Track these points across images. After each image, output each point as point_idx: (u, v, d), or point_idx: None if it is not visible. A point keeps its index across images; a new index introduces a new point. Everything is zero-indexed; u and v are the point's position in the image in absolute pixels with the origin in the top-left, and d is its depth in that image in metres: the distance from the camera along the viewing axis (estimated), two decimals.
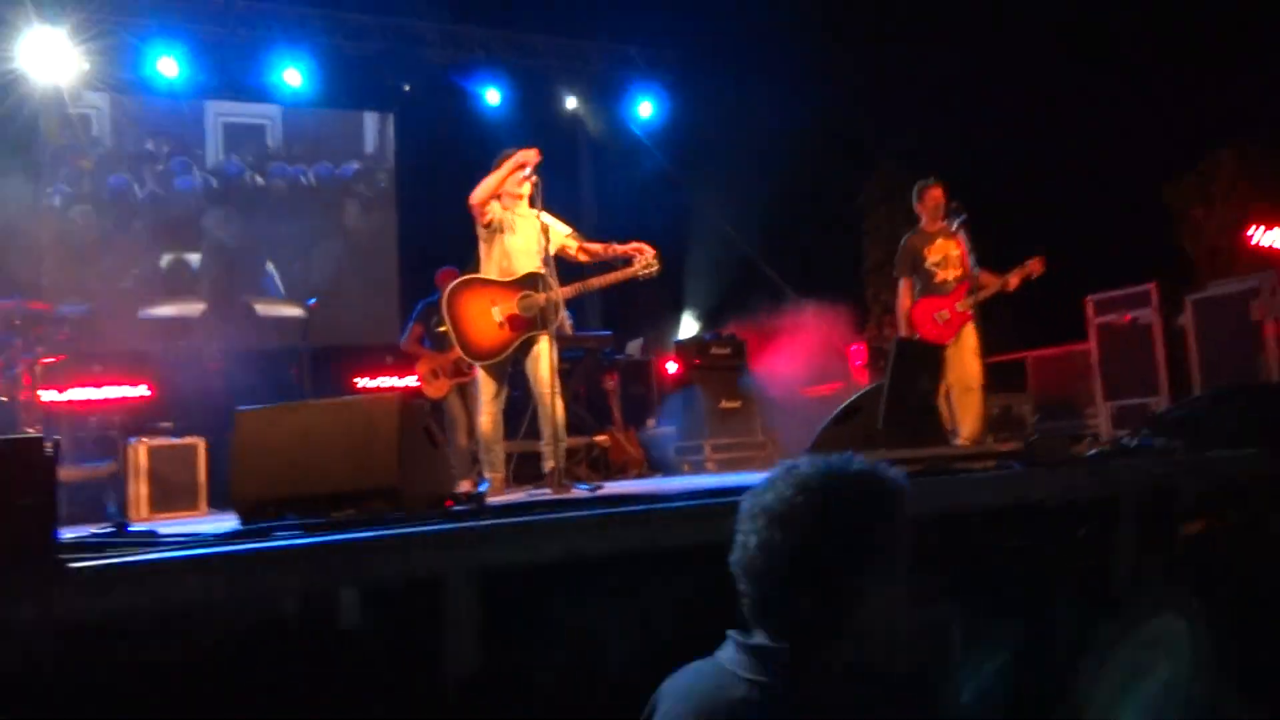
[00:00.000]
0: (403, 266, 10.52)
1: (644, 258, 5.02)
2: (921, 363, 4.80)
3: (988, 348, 6.39)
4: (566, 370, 7.14)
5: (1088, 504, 3.59)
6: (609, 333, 8.22)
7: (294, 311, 9.68)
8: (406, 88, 10.78)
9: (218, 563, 2.10)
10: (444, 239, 6.99)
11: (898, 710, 1.49)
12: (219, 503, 5.62)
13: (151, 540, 2.50)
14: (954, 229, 6.28)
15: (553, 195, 5.11)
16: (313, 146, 10.68)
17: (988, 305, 6.30)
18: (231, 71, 9.99)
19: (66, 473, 5.87)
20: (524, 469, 6.29)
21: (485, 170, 5.11)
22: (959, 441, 5.84)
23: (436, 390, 7.07)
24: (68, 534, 2.37)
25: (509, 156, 5.06)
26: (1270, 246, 8.41)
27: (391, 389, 8.83)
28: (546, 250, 4.91)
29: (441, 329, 5.36)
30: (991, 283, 6.21)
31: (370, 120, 11.03)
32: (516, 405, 5.68)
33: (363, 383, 9.19)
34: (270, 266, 10.18)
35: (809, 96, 9.61)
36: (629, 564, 2.50)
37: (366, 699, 2.32)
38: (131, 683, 2.05)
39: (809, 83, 9.73)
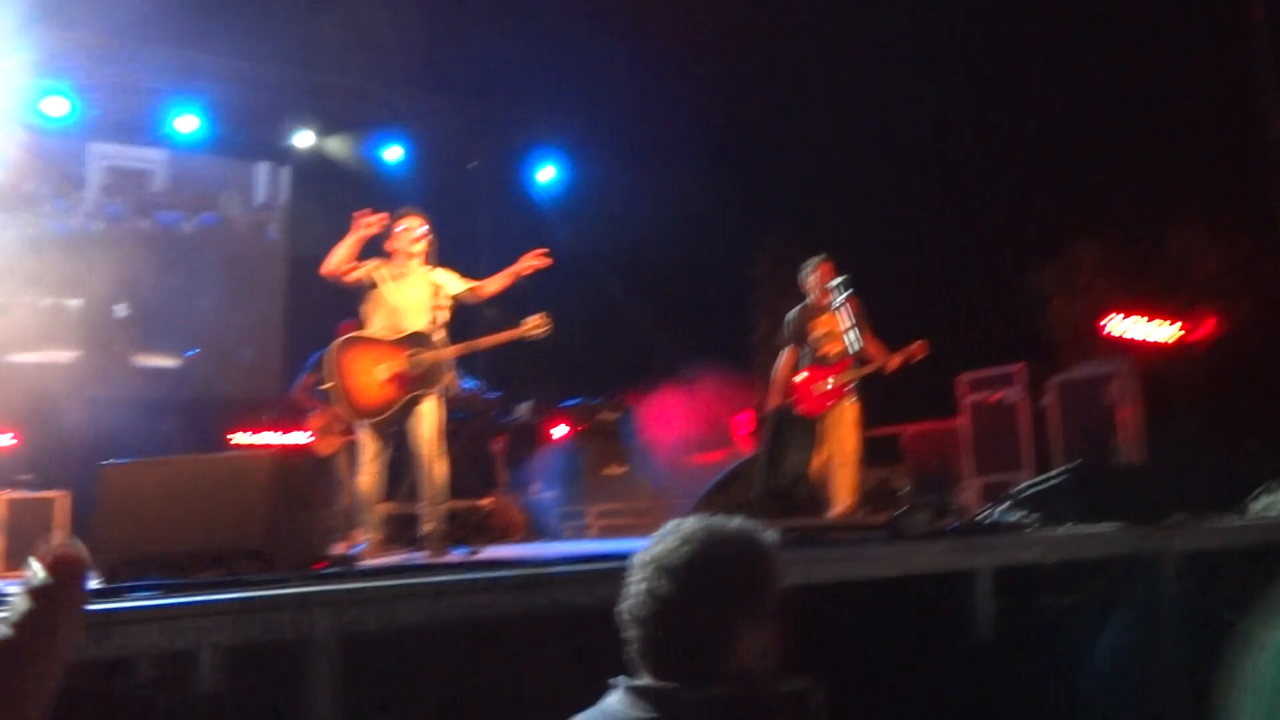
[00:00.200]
0: (289, 320, 10.33)
1: (534, 319, 5.06)
2: (796, 434, 4.95)
3: (867, 420, 6.60)
4: (453, 431, 7.05)
5: (948, 576, 3.75)
6: (498, 394, 8.22)
7: (171, 362, 9.39)
8: (306, 140, 10.71)
9: None
10: (335, 292, 6.92)
11: None
12: None
13: None
14: (838, 305, 6.53)
15: (451, 256, 5.15)
16: (200, 194, 10.47)
17: (869, 380, 6.53)
18: (122, 113, 9.76)
19: None
20: (407, 531, 6.19)
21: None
22: (834, 512, 6.01)
23: (328, 446, 6.88)
24: None
25: (402, 217, 5.09)
26: (1125, 335, 8.97)
27: (269, 446, 8.60)
28: (438, 309, 4.92)
29: (326, 386, 5.29)
30: (875, 358, 6.45)
31: (263, 170, 10.88)
32: (398, 465, 5.62)
33: (242, 438, 8.92)
34: (143, 314, 9.87)
35: (703, 169, 9.92)
36: (499, 628, 2.52)
37: None
38: None
39: (703, 157, 10.06)
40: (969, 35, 9.71)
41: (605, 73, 10.08)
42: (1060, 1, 9.34)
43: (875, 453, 7.98)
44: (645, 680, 1.64)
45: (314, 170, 10.73)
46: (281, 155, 10.81)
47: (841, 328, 6.51)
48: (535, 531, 7.51)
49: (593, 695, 1.67)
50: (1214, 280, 9.62)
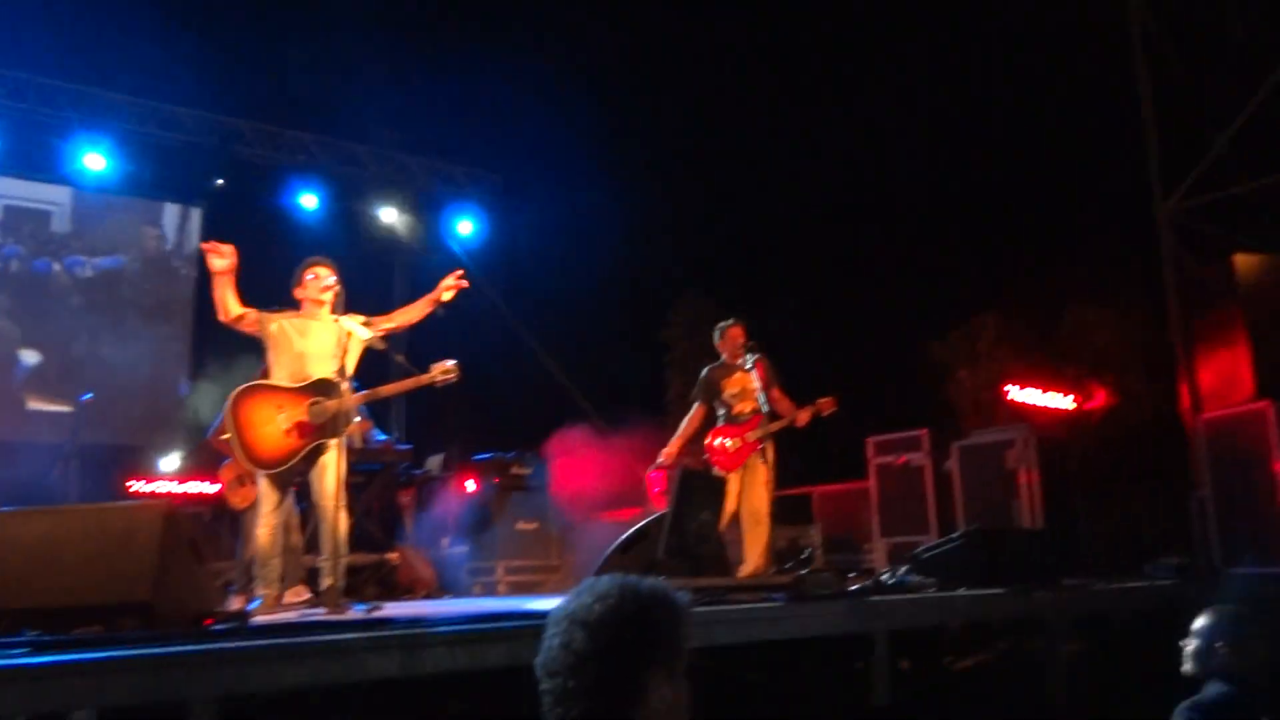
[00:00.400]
0: (195, 365, 10.06)
1: (442, 366, 4.98)
2: (704, 493, 4.97)
3: (780, 480, 6.66)
4: (361, 483, 6.93)
5: (849, 638, 3.78)
6: (409, 446, 8.08)
7: (65, 407, 9.04)
8: (219, 182, 10.52)
9: None
10: (245, 340, 6.77)
11: None
12: None
13: None
14: (750, 365, 6.62)
15: (363, 306, 5.09)
16: (103, 235, 10.20)
17: (782, 440, 6.60)
18: (26, 149, 9.49)
19: None
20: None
21: (291, 273, 5.04)
22: (744, 571, 6.03)
23: (242, 499, 6.49)
24: None
25: (311, 266, 5.02)
26: (1024, 403, 9.28)
27: (161, 495, 8.27)
28: (344, 357, 4.84)
29: (224, 436, 5.13)
30: (785, 414, 6.53)
31: (171, 212, 10.65)
32: (301, 517, 5.47)
33: (139, 486, 8.59)
34: (43, 358, 9.52)
35: (620, 231, 10.06)
36: (389, 688, 2.45)
37: None
38: None
39: (620, 218, 10.21)
40: (879, 110, 10.11)
41: (526, 132, 10.20)
42: (965, 86, 9.80)
43: (787, 512, 8.06)
44: None
45: (226, 213, 10.53)
46: (192, 197, 10.60)
47: (753, 386, 6.60)
48: (443, 587, 7.35)
49: None
50: (1107, 351, 10.06)
